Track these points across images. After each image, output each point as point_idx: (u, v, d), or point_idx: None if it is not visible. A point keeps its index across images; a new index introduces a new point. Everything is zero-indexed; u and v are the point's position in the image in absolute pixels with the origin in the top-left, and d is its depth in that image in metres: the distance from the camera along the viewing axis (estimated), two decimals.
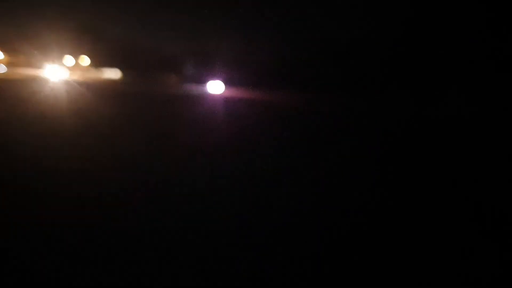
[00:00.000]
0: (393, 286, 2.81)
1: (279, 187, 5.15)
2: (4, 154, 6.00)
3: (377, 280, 2.86)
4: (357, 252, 3.27)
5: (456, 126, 11.93)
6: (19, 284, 2.55)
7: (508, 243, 3.61)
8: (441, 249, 3.40)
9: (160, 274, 2.77)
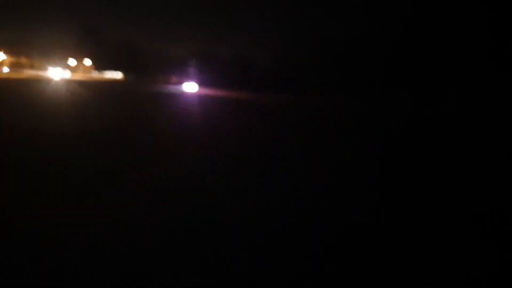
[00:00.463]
0: (393, 286, 2.81)
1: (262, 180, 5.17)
2: (6, 151, 6.04)
3: (377, 280, 2.86)
4: (357, 251, 3.28)
5: (456, 126, 11.90)
6: (20, 282, 2.57)
7: (508, 243, 3.62)
8: (441, 249, 3.41)
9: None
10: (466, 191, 5.25)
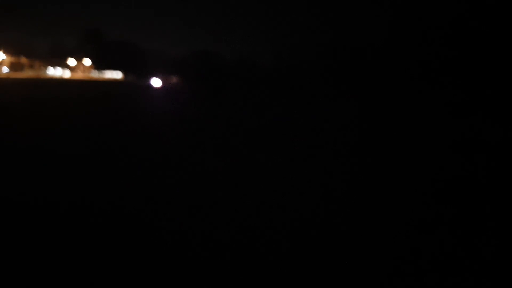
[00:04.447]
0: (392, 285, 2.81)
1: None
2: (7, 150, 6.09)
3: (376, 279, 2.86)
4: (356, 251, 3.29)
5: (455, 126, 11.87)
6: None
7: (508, 243, 3.62)
8: (440, 249, 3.41)
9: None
10: (466, 191, 5.27)
